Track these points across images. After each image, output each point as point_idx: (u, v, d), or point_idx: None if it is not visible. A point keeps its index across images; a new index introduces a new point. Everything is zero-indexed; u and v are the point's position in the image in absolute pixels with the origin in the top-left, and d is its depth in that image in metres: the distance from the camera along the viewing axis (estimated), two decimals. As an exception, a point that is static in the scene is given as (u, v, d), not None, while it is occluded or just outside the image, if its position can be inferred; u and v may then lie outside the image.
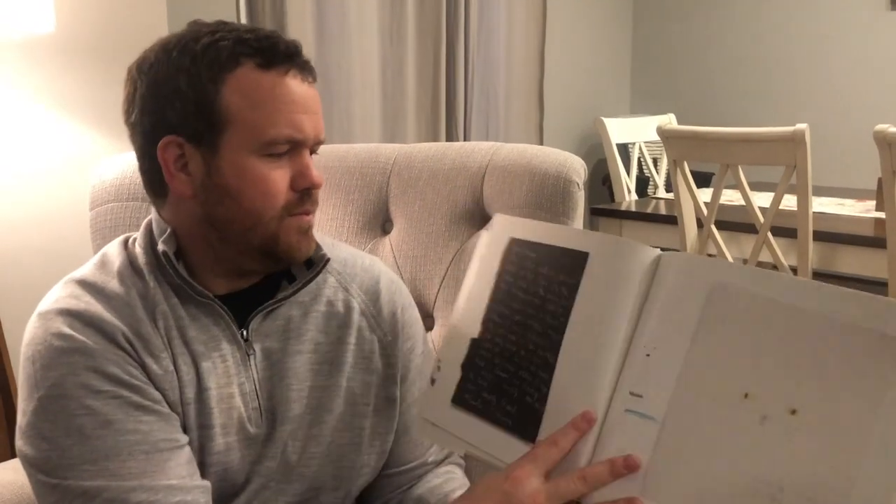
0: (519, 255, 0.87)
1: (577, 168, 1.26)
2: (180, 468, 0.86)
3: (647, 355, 0.76)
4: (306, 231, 0.92)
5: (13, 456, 1.60)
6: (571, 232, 0.93)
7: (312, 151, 0.92)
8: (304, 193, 0.90)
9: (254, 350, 0.93)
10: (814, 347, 0.70)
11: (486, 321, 0.86)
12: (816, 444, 0.68)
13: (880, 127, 1.83)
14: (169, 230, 0.91)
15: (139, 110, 0.89)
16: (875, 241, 2.10)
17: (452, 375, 0.86)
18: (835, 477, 0.66)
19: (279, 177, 0.88)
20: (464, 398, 0.85)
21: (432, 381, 0.88)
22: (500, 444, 0.81)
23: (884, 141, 1.83)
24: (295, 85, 0.88)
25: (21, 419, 0.86)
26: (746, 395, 0.71)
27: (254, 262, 0.92)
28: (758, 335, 0.72)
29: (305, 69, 0.90)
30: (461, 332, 0.88)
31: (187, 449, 0.88)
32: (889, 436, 0.66)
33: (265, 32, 0.89)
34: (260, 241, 0.89)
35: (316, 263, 0.96)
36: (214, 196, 0.88)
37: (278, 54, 0.88)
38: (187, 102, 0.86)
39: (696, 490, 0.71)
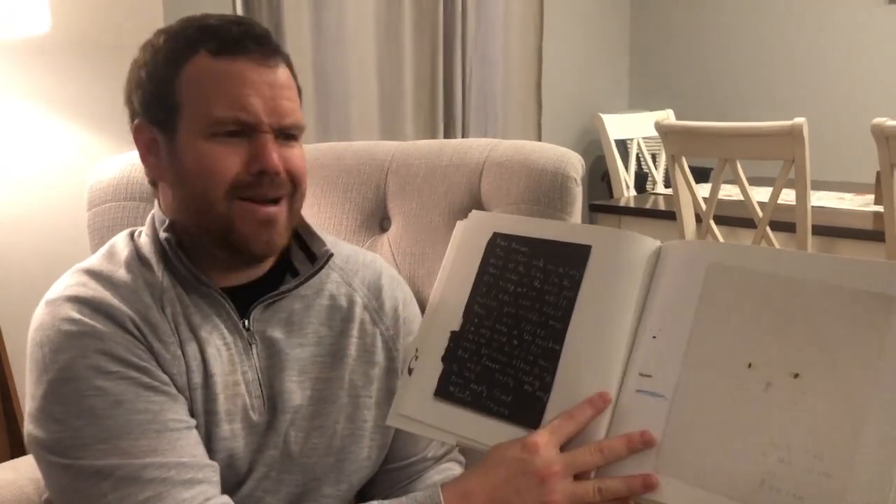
0: (505, 248, 0.89)
1: (575, 164, 1.26)
2: (191, 447, 0.87)
3: (654, 337, 0.79)
4: (267, 223, 0.91)
5: (13, 456, 1.60)
6: (565, 226, 0.95)
7: (289, 137, 0.92)
8: (259, 177, 0.89)
9: (256, 340, 0.95)
10: (809, 312, 0.74)
11: (468, 314, 0.88)
12: (820, 404, 0.71)
13: (878, 120, 1.83)
14: (167, 221, 0.93)
15: (125, 100, 0.95)
16: (874, 235, 2.10)
17: (433, 369, 0.87)
18: (839, 433, 0.69)
19: (230, 159, 0.88)
20: (448, 391, 0.86)
21: (410, 371, 0.88)
22: (498, 434, 0.82)
23: (881, 134, 1.83)
24: (248, 69, 0.89)
25: (30, 404, 0.87)
26: (750, 365, 0.75)
27: (220, 250, 0.93)
28: (756, 307, 0.76)
29: (265, 53, 0.90)
30: (439, 325, 0.89)
31: (196, 431, 0.89)
32: (888, 386, 0.68)
33: (231, 19, 0.91)
34: (215, 227, 0.90)
35: (319, 259, 0.97)
36: (176, 179, 0.92)
37: (231, 39, 0.89)
38: (147, 92, 0.91)
39: (709, 460, 0.73)
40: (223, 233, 0.90)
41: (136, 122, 0.93)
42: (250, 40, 0.89)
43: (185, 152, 0.89)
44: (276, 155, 0.89)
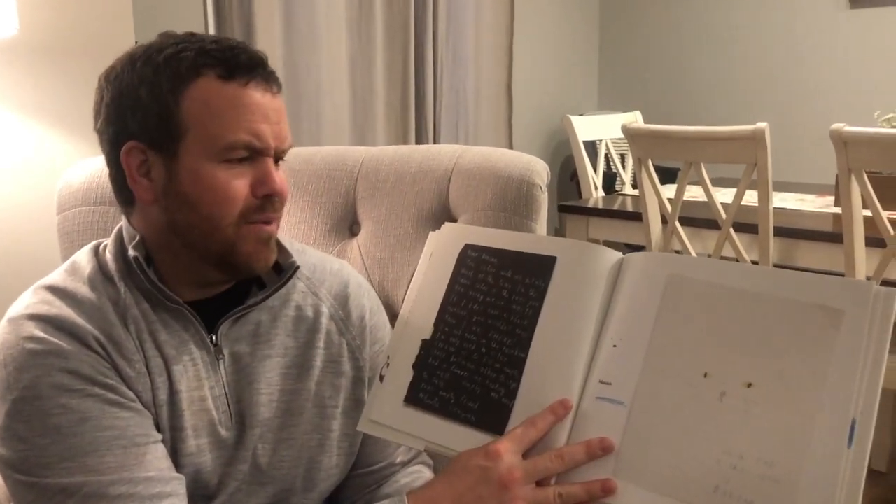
0: (476, 259, 0.91)
1: (540, 171, 1.29)
2: (158, 461, 0.87)
3: (614, 346, 0.82)
4: (266, 241, 0.93)
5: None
6: (534, 238, 0.97)
7: (279, 159, 0.93)
8: (264, 200, 0.91)
9: (223, 354, 0.95)
10: (762, 324, 0.77)
11: (439, 323, 0.90)
12: (771, 413, 0.74)
13: (836, 126, 1.86)
14: (138, 237, 0.93)
15: (104, 119, 0.92)
16: (833, 237, 2.13)
17: (403, 376, 0.90)
18: (789, 441, 0.72)
19: (238, 183, 0.89)
20: (418, 397, 0.88)
21: (381, 378, 0.91)
22: (464, 440, 0.84)
23: (839, 139, 1.87)
24: (257, 95, 0.89)
25: None
26: (706, 375, 0.77)
27: (214, 270, 0.93)
28: (712, 319, 0.79)
29: (269, 80, 0.91)
30: (411, 333, 0.91)
31: (162, 445, 0.89)
32: (835, 396, 0.72)
33: (229, 43, 0.90)
34: (218, 249, 0.91)
35: (286, 270, 0.97)
36: (175, 202, 0.90)
37: (240, 65, 0.89)
38: (148, 112, 0.88)
39: (665, 466, 0.76)
40: (225, 255, 0.91)
41: (128, 144, 0.90)
42: (257, 66, 0.90)
43: (189, 176, 0.88)
44: (279, 178, 0.91)
